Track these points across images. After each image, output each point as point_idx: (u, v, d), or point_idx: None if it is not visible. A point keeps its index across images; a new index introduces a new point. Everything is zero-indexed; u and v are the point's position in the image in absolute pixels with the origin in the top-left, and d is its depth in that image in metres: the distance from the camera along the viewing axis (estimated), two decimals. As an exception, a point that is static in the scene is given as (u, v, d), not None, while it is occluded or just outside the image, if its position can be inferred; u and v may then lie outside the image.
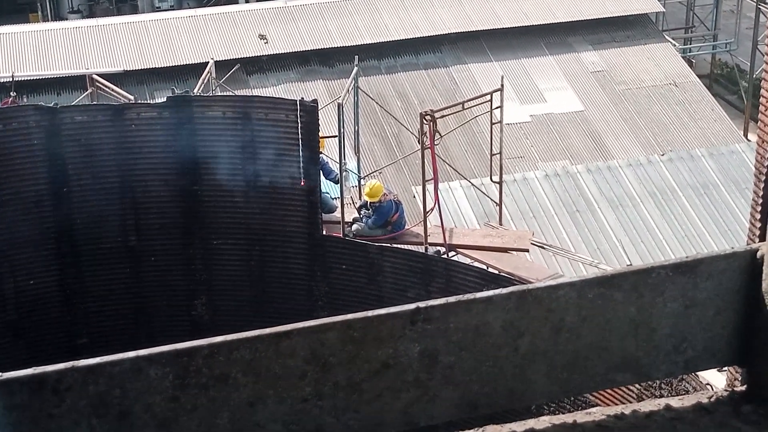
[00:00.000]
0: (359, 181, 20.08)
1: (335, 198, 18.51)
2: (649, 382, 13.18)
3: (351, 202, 19.53)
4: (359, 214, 17.92)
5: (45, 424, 2.22)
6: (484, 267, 16.58)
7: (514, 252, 17.40)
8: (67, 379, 2.21)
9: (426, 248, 17.19)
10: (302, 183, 16.76)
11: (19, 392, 2.19)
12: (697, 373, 12.33)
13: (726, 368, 3.16)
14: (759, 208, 5.97)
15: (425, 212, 17.66)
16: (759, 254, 2.53)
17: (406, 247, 17.50)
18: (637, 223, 23.79)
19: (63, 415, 2.23)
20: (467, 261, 17.11)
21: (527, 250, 17.86)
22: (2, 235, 16.85)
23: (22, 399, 2.19)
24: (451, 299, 2.39)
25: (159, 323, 17.62)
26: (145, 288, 17.72)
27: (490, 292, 2.40)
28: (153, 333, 17.34)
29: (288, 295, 17.33)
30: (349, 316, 2.34)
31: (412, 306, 2.38)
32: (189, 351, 2.28)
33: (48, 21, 38.28)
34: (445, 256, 17.07)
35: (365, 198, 17.76)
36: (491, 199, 20.61)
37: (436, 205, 17.54)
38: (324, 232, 17.27)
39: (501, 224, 19.16)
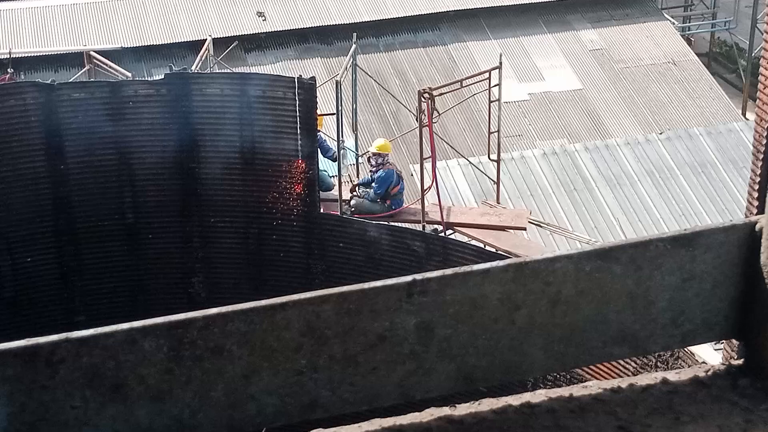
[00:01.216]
0: (357, 159, 20.09)
1: (333, 176, 18.52)
2: (645, 360, 13.20)
3: (349, 180, 19.53)
4: (352, 192, 17.99)
5: (38, 395, 2.21)
6: (482, 245, 16.59)
7: (511, 230, 17.41)
8: (60, 350, 2.20)
9: (424, 226, 17.21)
10: (299, 163, 16.73)
11: (12, 364, 2.18)
12: (693, 350, 12.36)
13: (723, 342, 3.17)
14: (757, 186, 5.97)
15: (423, 190, 17.67)
16: (758, 227, 2.51)
17: (403, 225, 17.51)
18: (634, 201, 23.77)
19: (56, 387, 2.21)
20: (465, 239, 17.12)
21: (525, 229, 17.88)
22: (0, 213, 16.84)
23: (15, 371, 2.18)
24: (448, 271, 2.38)
25: (156, 301, 17.62)
26: (142, 265, 17.73)
27: (487, 264, 2.39)
28: (150, 310, 17.32)
29: (285, 273, 17.34)
30: (345, 288, 2.33)
31: (409, 278, 2.36)
32: (183, 323, 2.26)
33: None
34: (442, 234, 17.08)
35: (372, 150, 17.91)
36: (489, 178, 20.61)
37: (434, 184, 17.55)
38: (321, 210, 17.26)
39: (499, 203, 19.18)
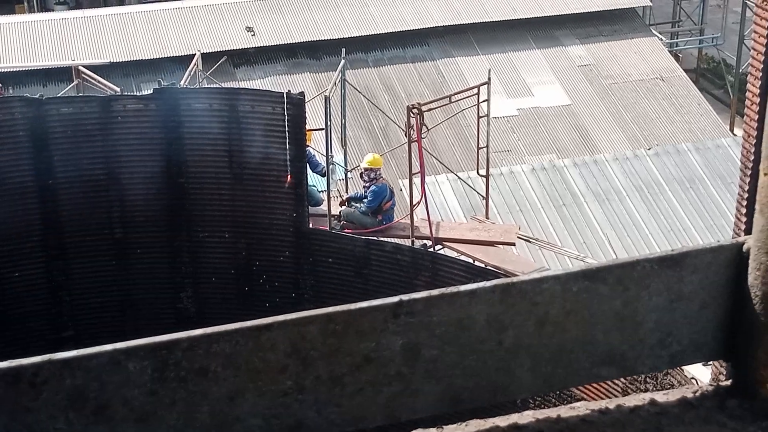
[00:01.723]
0: (346, 175, 20.09)
1: (322, 191, 18.51)
2: (634, 378, 13.19)
3: (338, 194, 19.53)
4: (342, 206, 18.01)
5: (22, 417, 2.19)
6: (471, 260, 16.59)
7: (500, 245, 17.41)
8: (43, 372, 2.18)
9: (413, 242, 17.20)
10: (288, 179, 16.70)
11: (-5, 385, 2.16)
12: (683, 367, 12.36)
13: (711, 363, 3.15)
14: (745, 202, 5.96)
15: (412, 206, 17.67)
16: (745, 248, 2.51)
17: (392, 240, 17.50)
18: (623, 217, 23.82)
19: (40, 409, 2.20)
20: (454, 254, 17.11)
21: (514, 244, 17.89)
22: (-13, 227, 16.78)
23: (-2, 392, 2.16)
24: (435, 292, 2.37)
25: (145, 316, 17.56)
26: (131, 280, 17.66)
27: (474, 285, 2.38)
28: (139, 326, 17.28)
29: (274, 288, 17.30)
30: (330, 309, 2.32)
31: (395, 299, 2.35)
32: (168, 344, 2.25)
33: (34, 12, 38.10)
34: (431, 249, 17.07)
35: (364, 166, 17.98)
36: (478, 193, 20.62)
37: (423, 199, 17.55)
38: (311, 225, 17.24)
39: (487, 218, 19.18)
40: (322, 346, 2.32)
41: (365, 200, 17.83)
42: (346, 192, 19.51)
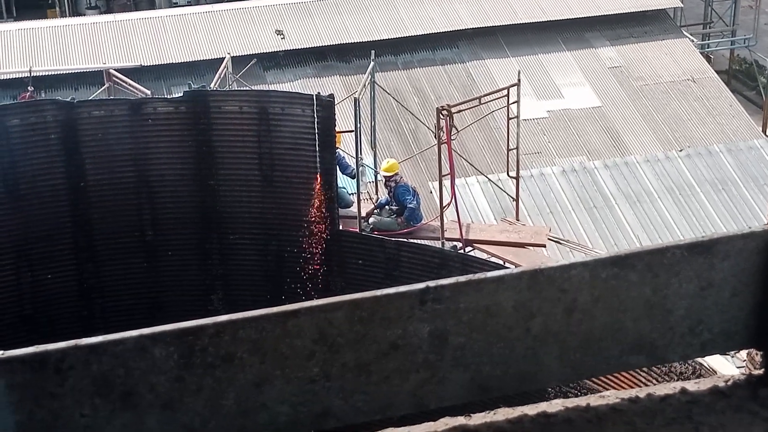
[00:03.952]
0: (375, 176, 20.09)
1: (352, 193, 18.51)
2: (661, 373, 13.10)
3: (368, 197, 19.53)
4: (369, 217, 18.01)
5: (47, 403, 2.19)
6: (501, 262, 16.54)
7: (531, 247, 17.35)
8: (69, 357, 2.17)
9: (443, 243, 17.16)
10: (318, 180, 16.73)
11: (20, 371, 2.15)
12: (709, 363, 12.27)
13: (735, 353, 3.11)
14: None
15: (442, 207, 17.64)
16: (777, 234, 2.47)
17: (422, 242, 17.47)
18: (654, 219, 23.69)
19: (65, 395, 2.19)
20: (484, 256, 17.07)
21: (544, 246, 17.83)
22: (19, 230, 16.89)
23: (24, 378, 2.16)
24: (462, 279, 2.35)
25: (175, 318, 17.31)
26: (161, 283, 17.73)
27: (502, 272, 2.35)
28: (169, 328, 17.31)
29: (304, 290, 17.31)
30: (357, 296, 2.30)
31: (422, 285, 2.33)
32: (194, 330, 2.24)
33: (66, 17, 38.35)
34: (461, 251, 17.03)
35: (382, 174, 18.00)
36: (508, 195, 20.57)
37: (453, 201, 17.51)
38: (341, 227, 17.24)
39: (518, 219, 19.13)
40: (348, 333, 2.30)
41: (407, 203, 17.80)
42: (376, 194, 19.50)
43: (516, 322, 2.40)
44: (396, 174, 18.08)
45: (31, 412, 2.18)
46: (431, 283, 2.33)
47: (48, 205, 17.00)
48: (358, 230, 17.28)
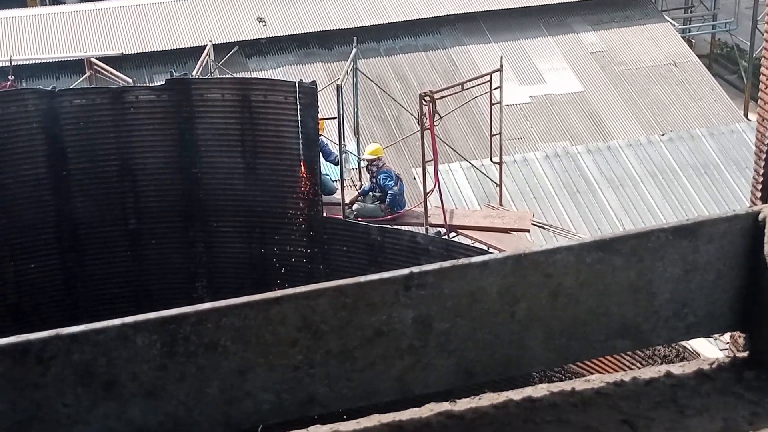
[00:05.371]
0: (359, 163, 20.07)
1: (335, 180, 18.49)
2: (645, 356, 13.14)
3: (351, 184, 19.50)
4: (353, 204, 17.97)
5: (30, 393, 2.17)
6: (485, 248, 16.54)
7: (514, 233, 17.36)
8: (51, 347, 2.16)
9: (427, 229, 17.16)
10: (302, 167, 16.71)
11: (2, 361, 2.13)
12: (692, 346, 12.30)
13: (725, 335, 3.11)
14: (760, 183, 5.93)
15: (425, 193, 17.63)
16: (761, 217, 2.47)
17: (406, 228, 17.46)
18: (637, 203, 23.74)
19: (48, 385, 2.17)
20: (468, 242, 17.07)
21: (528, 231, 17.83)
22: (2, 219, 16.81)
23: (6, 368, 2.14)
24: (446, 264, 2.34)
25: (160, 306, 17.32)
26: (145, 271, 17.68)
27: (486, 257, 2.34)
28: (153, 316, 17.27)
29: (288, 277, 17.28)
30: (341, 282, 2.29)
31: (406, 271, 2.32)
32: (176, 318, 2.22)
33: (46, 5, 38.13)
34: (445, 236, 17.03)
35: (366, 157, 17.97)
36: (491, 180, 20.57)
37: (437, 186, 17.51)
38: (324, 214, 17.22)
39: (501, 205, 19.12)
40: (332, 320, 2.29)
41: (388, 189, 17.77)
42: (360, 180, 19.48)
43: (501, 307, 2.39)
44: (379, 159, 18.06)
45: (12, 402, 2.16)
46: (415, 269, 2.32)
47: (30, 194, 16.92)
48: (342, 217, 17.25)
